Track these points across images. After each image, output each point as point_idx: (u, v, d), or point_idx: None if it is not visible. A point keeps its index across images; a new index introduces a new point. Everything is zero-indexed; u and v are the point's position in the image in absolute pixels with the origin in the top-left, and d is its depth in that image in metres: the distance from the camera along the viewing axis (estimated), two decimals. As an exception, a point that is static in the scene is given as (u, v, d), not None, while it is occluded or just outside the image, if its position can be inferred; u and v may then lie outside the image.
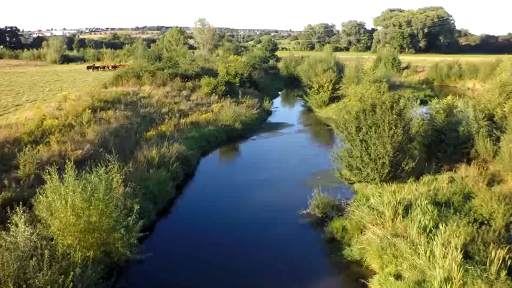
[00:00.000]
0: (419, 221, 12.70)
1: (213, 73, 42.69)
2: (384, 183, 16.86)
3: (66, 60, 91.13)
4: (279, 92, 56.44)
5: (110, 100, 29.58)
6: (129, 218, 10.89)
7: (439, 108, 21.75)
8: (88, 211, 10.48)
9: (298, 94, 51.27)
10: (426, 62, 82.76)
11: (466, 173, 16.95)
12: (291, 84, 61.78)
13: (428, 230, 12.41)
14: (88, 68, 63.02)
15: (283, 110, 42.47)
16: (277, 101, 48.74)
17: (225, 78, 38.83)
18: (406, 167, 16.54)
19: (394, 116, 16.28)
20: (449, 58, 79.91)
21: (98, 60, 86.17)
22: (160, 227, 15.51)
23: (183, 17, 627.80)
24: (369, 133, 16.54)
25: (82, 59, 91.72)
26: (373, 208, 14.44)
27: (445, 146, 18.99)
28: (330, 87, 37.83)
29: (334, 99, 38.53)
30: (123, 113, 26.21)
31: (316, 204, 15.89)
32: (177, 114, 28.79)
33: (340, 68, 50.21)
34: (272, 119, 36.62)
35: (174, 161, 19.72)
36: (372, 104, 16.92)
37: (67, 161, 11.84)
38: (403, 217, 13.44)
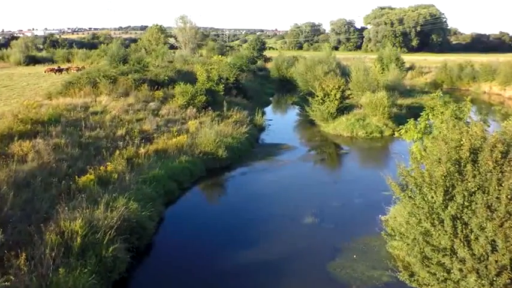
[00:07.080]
0: None
1: (192, 78, 34.45)
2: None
3: (32, 61, 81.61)
4: (271, 98, 48.43)
5: (44, 120, 21.28)
6: None
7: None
8: None
9: (294, 101, 43.56)
10: (427, 62, 76.85)
11: None
12: (284, 88, 54.10)
13: None
14: (50, 70, 53.96)
15: (278, 123, 34.20)
16: (269, 110, 40.69)
17: (206, 86, 30.65)
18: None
19: (521, 175, 8.50)
20: (452, 57, 75.08)
21: (68, 61, 77.21)
22: None
23: (168, 16, 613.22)
24: (469, 206, 8.72)
25: (51, 60, 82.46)
26: None
27: None
28: (338, 96, 29.98)
29: (343, 110, 30.73)
30: (53, 141, 17.93)
31: None
32: (137, 140, 20.54)
33: (342, 70, 42.66)
34: (266, 137, 28.45)
35: (113, 237, 11.59)
36: (470, 150, 9.05)
37: None
38: None
